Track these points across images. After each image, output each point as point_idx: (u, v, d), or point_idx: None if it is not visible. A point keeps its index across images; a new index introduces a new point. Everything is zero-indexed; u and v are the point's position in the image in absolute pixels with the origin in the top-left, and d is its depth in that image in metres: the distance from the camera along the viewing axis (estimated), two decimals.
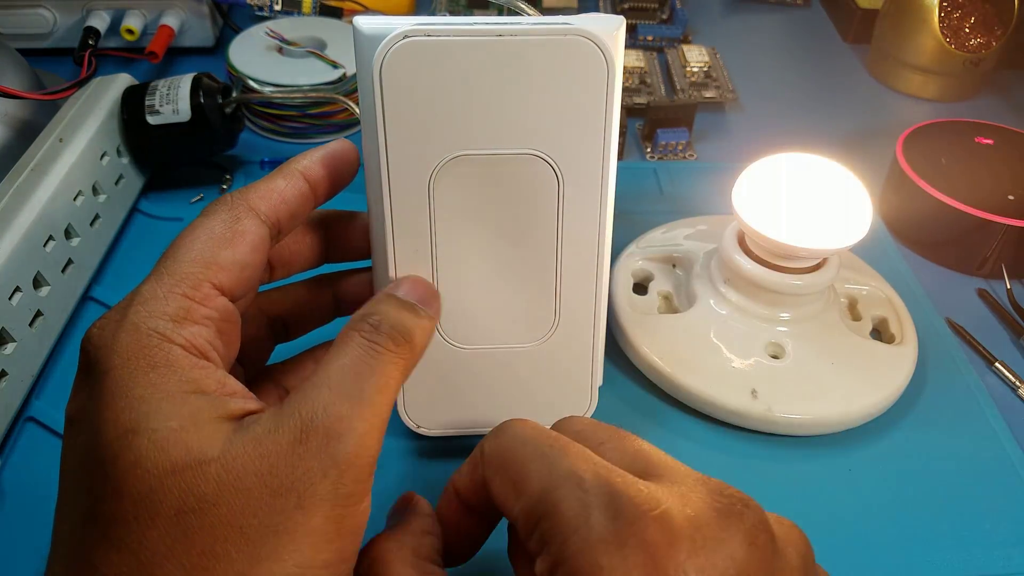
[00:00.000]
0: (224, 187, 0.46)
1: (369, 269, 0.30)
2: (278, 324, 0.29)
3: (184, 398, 0.20)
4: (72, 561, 0.20)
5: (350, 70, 0.49)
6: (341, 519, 0.20)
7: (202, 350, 0.22)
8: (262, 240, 0.24)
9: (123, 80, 0.44)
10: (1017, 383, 0.38)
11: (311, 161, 0.26)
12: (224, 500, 0.19)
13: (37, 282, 0.36)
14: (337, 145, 0.27)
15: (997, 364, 0.38)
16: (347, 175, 0.27)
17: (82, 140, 0.40)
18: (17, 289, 0.34)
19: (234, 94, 0.45)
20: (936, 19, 0.55)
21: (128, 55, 0.55)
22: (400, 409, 0.31)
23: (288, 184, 0.25)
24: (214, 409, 0.20)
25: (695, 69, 0.57)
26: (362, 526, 0.21)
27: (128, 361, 0.20)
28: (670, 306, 0.39)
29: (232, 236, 0.23)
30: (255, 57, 0.50)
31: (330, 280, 0.30)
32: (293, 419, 0.20)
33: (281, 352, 0.30)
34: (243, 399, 0.21)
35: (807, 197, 0.34)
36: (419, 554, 0.23)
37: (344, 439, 0.20)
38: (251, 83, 0.48)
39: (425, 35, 0.24)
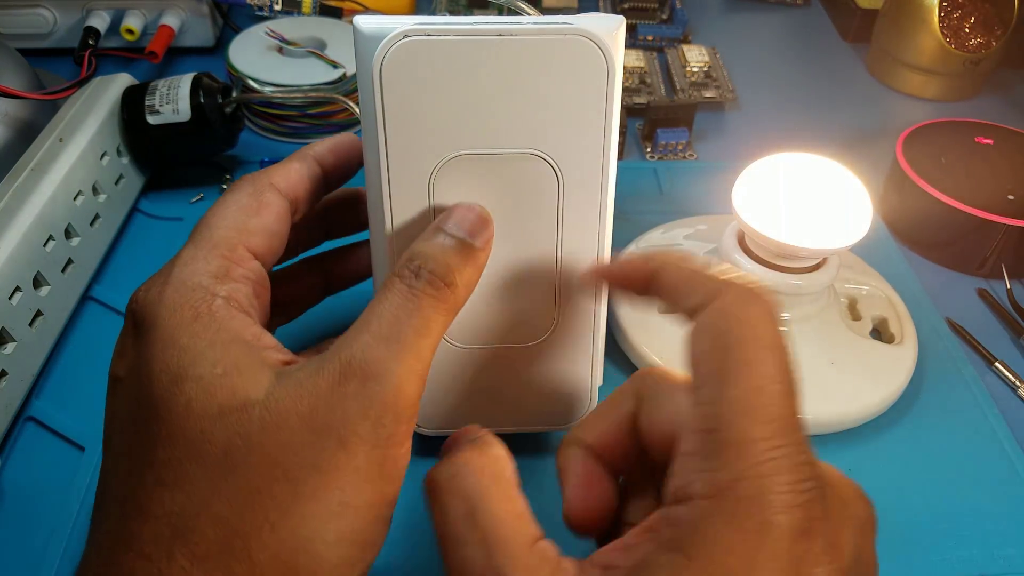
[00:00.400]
0: (224, 187, 0.46)
1: (357, 244, 0.31)
2: (276, 307, 0.30)
3: (225, 346, 0.21)
4: (125, 509, 0.20)
5: (350, 70, 0.49)
6: (383, 460, 0.21)
7: (241, 304, 0.23)
8: (285, 211, 0.26)
9: (123, 80, 0.44)
10: (1017, 383, 0.38)
11: (323, 148, 0.28)
12: (268, 440, 0.20)
13: (37, 282, 0.36)
14: (344, 137, 0.29)
15: (997, 364, 0.38)
16: (354, 165, 0.29)
17: (82, 140, 0.40)
18: (17, 289, 0.34)
19: (234, 94, 0.45)
20: (936, 19, 0.55)
21: (128, 55, 0.55)
22: None
23: (303, 167, 0.27)
24: (253, 356, 0.21)
25: (695, 69, 0.57)
26: (403, 470, 0.22)
27: (174, 312, 0.22)
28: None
29: (259, 206, 0.25)
30: (255, 57, 0.50)
31: (317, 260, 0.32)
32: (333, 363, 0.21)
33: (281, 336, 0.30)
34: (278, 351, 0.22)
35: (807, 197, 0.34)
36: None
37: (382, 380, 0.21)
38: (251, 83, 0.48)
39: (425, 35, 0.24)
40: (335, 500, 0.20)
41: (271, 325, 0.29)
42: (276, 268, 0.30)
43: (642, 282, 0.24)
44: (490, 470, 0.22)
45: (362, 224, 0.31)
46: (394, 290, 0.22)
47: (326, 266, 0.32)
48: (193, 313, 0.22)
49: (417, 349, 0.22)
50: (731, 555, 0.18)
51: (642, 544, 0.20)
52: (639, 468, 0.24)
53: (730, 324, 0.20)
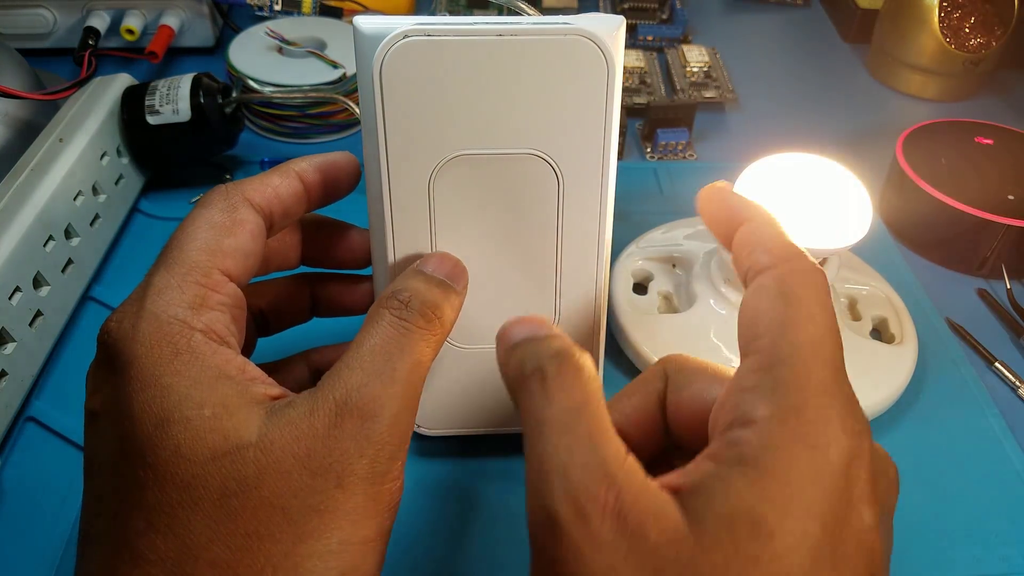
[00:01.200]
0: None
1: (348, 277, 0.30)
2: (260, 318, 0.29)
3: (211, 384, 0.21)
4: (115, 551, 0.20)
5: (350, 70, 0.49)
6: (379, 496, 0.21)
7: (221, 335, 0.22)
8: (260, 229, 0.25)
9: (123, 80, 0.44)
10: (1017, 383, 0.38)
11: (308, 164, 0.26)
12: (265, 482, 0.19)
13: (37, 282, 0.36)
14: (338, 155, 0.27)
15: (997, 364, 0.38)
16: (343, 185, 0.27)
17: (82, 140, 0.40)
18: (17, 289, 0.34)
19: (234, 94, 0.45)
20: (936, 19, 0.55)
21: (128, 55, 0.55)
22: None
23: (283, 182, 0.26)
24: (241, 394, 0.21)
25: (695, 69, 0.57)
26: (397, 502, 0.22)
27: (151, 350, 0.21)
28: (670, 306, 0.39)
29: (232, 224, 0.24)
30: (255, 57, 0.50)
31: (309, 280, 0.30)
32: (328, 402, 0.20)
33: (262, 346, 0.30)
34: (264, 384, 0.22)
35: (807, 197, 0.34)
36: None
37: (378, 418, 0.20)
38: (251, 83, 0.48)
39: (425, 35, 0.24)
40: (335, 539, 0.20)
41: (251, 338, 0.29)
42: (267, 277, 0.29)
43: (728, 226, 0.25)
44: (598, 381, 0.21)
45: (337, 260, 0.30)
46: (384, 322, 0.22)
47: (317, 290, 0.30)
48: (172, 350, 0.21)
49: (410, 384, 0.22)
50: (795, 467, 0.19)
51: (703, 465, 0.20)
52: (660, 451, 0.24)
53: (795, 285, 0.22)
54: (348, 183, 0.28)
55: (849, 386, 0.21)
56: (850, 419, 0.20)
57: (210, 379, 0.21)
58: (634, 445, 0.23)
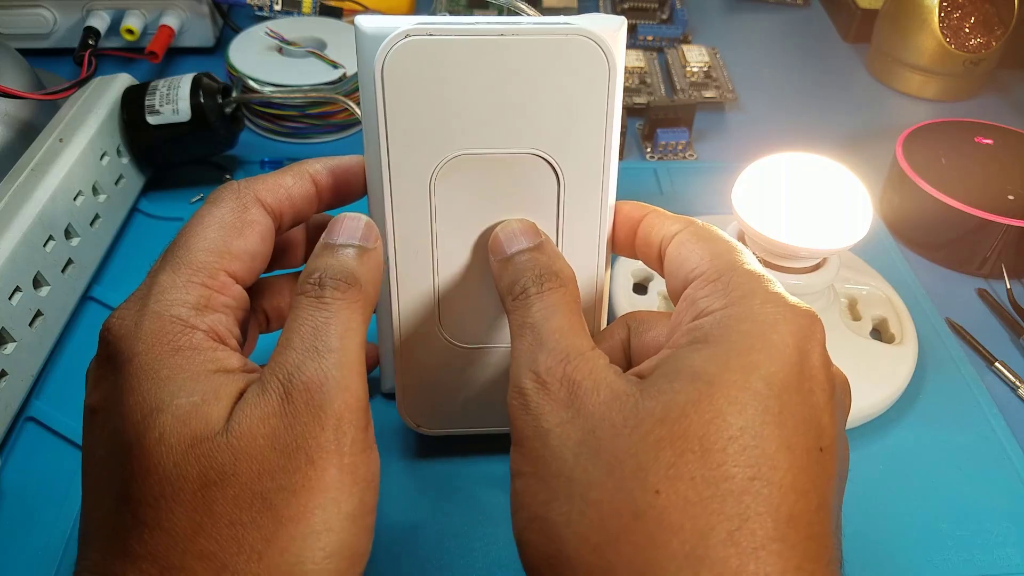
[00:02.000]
0: None
1: None
2: (262, 314, 0.29)
3: (208, 376, 0.21)
4: (108, 546, 0.20)
5: (350, 70, 0.49)
6: (354, 468, 0.21)
7: (222, 337, 0.22)
8: (270, 230, 0.25)
9: (123, 80, 0.44)
10: (1017, 383, 0.38)
11: (322, 166, 0.27)
12: (242, 468, 0.19)
13: (37, 282, 0.36)
14: (351, 159, 0.27)
15: (997, 364, 0.39)
16: (355, 189, 0.28)
17: (82, 140, 0.40)
18: (17, 289, 0.34)
19: (234, 94, 0.45)
20: (936, 19, 0.55)
21: (128, 55, 0.55)
22: (400, 409, 0.31)
23: (296, 183, 0.26)
24: (236, 385, 0.21)
25: (695, 69, 0.57)
26: (376, 475, 0.22)
27: (153, 347, 0.21)
28: (670, 306, 0.39)
29: (242, 225, 0.24)
30: (255, 57, 0.50)
31: None
32: (273, 382, 0.20)
33: (264, 342, 0.30)
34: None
35: (807, 197, 0.34)
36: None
37: (325, 389, 0.20)
38: (251, 83, 0.48)
39: (427, 35, 0.24)
40: (317, 519, 0.20)
41: (253, 336, 0.29)
42: (265, 276, 0.29)
43: (632, 226, 0.28)
44: (575, 293, 0.25)
45: None
46: (303, 305, 0.22)
47: None
48: (173, 347, 0.21)
49: (345, 352, 0.21)
50: (743, 337, 0.21)
51: (662, 353, 0.22)
52: None
53: (706, 231, 0.25)
54: (360, 187, 0.28)
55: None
56: (796, 309, 0.22)
57: (207, 372, 0.21)
58: None
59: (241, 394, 0.21)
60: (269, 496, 0.19)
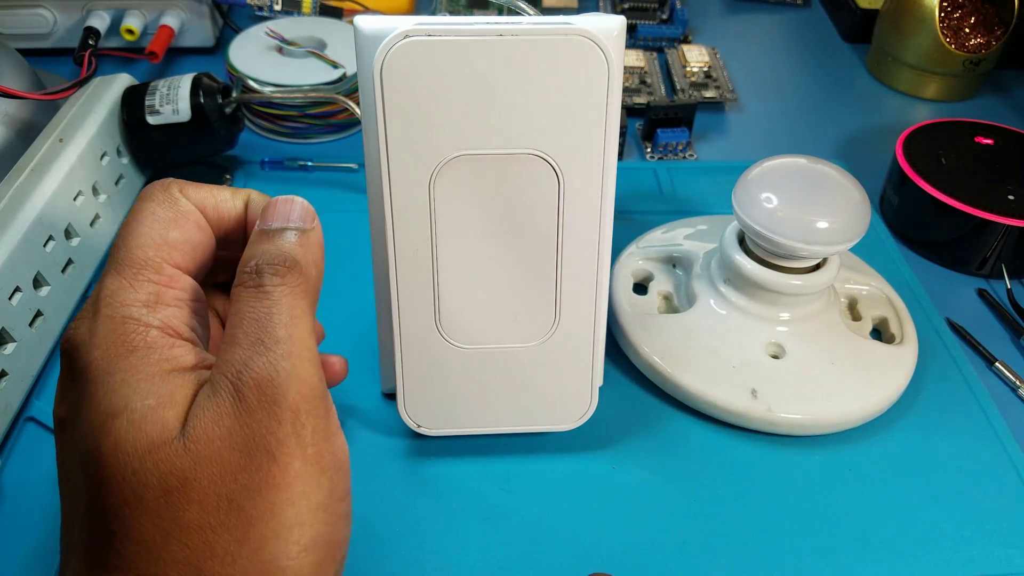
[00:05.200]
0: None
1: None
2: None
3: (164, 376, 0.20)
4: (87, 558, 0.20)
5: (350, 70, 0.49)
6: (319, 458, 0.20)
7: (179, 331, 0.22)
8: (204, 221, 0.24)
9: (123, 80, 0.44)
10: (1017, 383, 0.38)
11: (260, 197, 0.25)
12: (202, 472, 0.19)
13: (37, 282, 0.36)
14: (295, 207, 0.25)
15: (997, 364, 0.38)
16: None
17: (82, 140, 0.40)
18: (17, 289, 0.34)
19: (234, 94, 0.45)
20: (936, 19, 0.55)
21: (128, 55, 0.55)
22: (400, 408, 0.31)
23: (230, 199, 0.25)
24: (191, 385, 0.20)
25: (695, 69, 0.57)
26: (345, 461, 0.21)
27: (107, 351, 0.20)
28: (670, 306, 0.39)
29: (176, 216, 0.23)
30: (255, 57, 0.50)
31: None
32: (222, 383, 0.20)
33: None
34: None
35: (807, 197, 0.34)
36: None
37: (276, 383, 0.20)
38: (251, 83, 0.48)
39: (426, 35, 0.24)
40: (288, 514, 0.19)
41: (214, 324, 0.28)
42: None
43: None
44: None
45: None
46: (242, 298, 0.21)
47: None
48: (127, 348, 0.20)
49: (293, 340, 0.21)
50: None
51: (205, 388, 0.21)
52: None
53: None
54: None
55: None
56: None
57: (163, 372, 0.20)
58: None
59: (196, 394, 0.20)
60: (235, 497, 0.19)
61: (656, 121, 0.51)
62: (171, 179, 0.24)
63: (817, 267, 0.35)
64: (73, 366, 0.21)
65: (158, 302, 0.22)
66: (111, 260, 0.22)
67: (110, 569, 0.19)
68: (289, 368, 0.20)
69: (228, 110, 0.44)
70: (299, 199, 0.24)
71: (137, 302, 0.21)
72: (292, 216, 0.23)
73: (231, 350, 0.20)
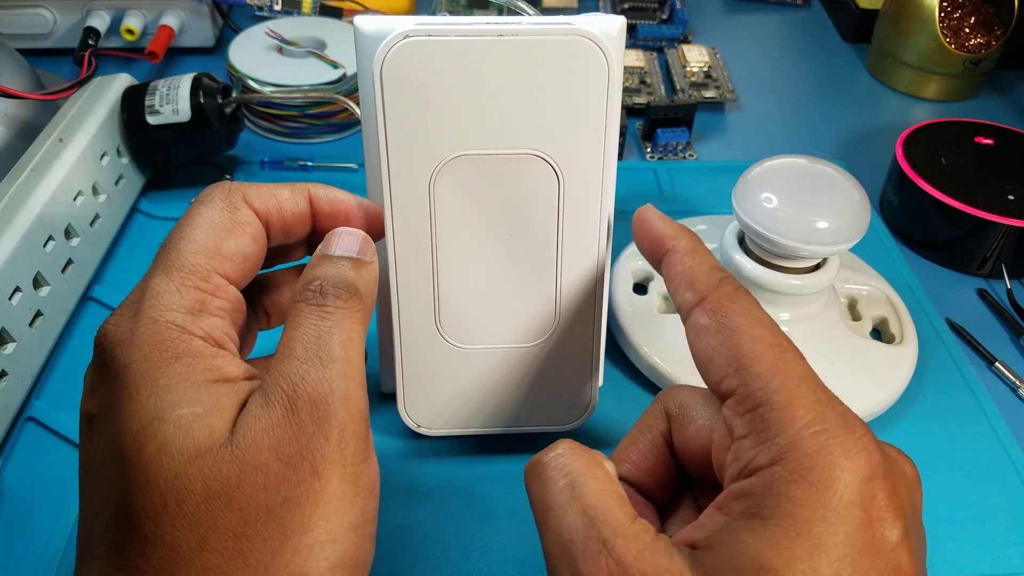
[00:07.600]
0: None
1: None
2: (261, 312, 0.29)
3: (209, 386, 0.20)
4: (111, 559, 0.19)
5: (350, 70, 0.49)
6: (356, 478, 0.20)
7: (220, 341, 0.22)
8: (261, 232, 0.24)
9: (123, 80, 0.44)
10: (1017, 383, 0.38)
11: (324, 192, 0.26)
12: (247, 480, 0.19)
13: (37, 282, 0.36)
14: (357, 204, 0.26)
15: (997, 364, 0.39)
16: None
17: (82, 140, 0.40)
18: (17, 289, 0.34)
19: (234, 94, 0.45)
20: (936, 19, 0.55)
21: (128, 55, 0.55)
22: (400, 409, 0.31)
23: (291, 198, 0.25)
24: (238, 395, 0.21)
25: (695, 69, 0.57)
26: (376, 483, 0.22)
27: (150, 354, 0.20)
28: (670, 306, 0.39)
29: (232, 226, 0.23)
30: (255, 57, 0.50)
31: None
32: (277, 392, 0.20)
33: (263, 339, 0.29)
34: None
35: (807, 197, 0.34)
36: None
37: (329, 400, 0.20)
38: (251, 83, 0.48)
39: (426, 35, 0.24)
40: (321, 530, 0.20)
41: (251, 330, 0.28)
42: (263, 272, 0.29)
43: (654, 253, 0.26)
44: (591, 456, 0.22)
45: None
46: (305, 313, 0.22)
47: None
48: (171, 354, 0.21)
49: (348, 361, 0.21)
50: (805, 508, 0.18)
51: (714, 517, 0.20)
52: (677, 488, 0.24)
53: (728, 314, 0.22)
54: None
55: (827, 391, 0.21)
56: (850, 434, 0.19)
57: (208, 382, 0.21)
58: (649, 489, 0.24)
59: (243, 404, 0.21)
60: (275, 508, 0.19)
61: (656, 121, 0.51)
62: (233, 183, 0.24)
63: (817, 267, 0.35)
64: (108, 364, 0.21)
65: (202, 310, 0.22)
66: (159, 259, 0.22)
67: (137, 572, 0.19)
68: (343, 387, 0.21)
69: (228, 110, 0.44)
70: (361, 233, 0.25)
71: (182, 308, 0.21)
72: (354, 248, 0.24)
73: (287, 362, 0.21)
